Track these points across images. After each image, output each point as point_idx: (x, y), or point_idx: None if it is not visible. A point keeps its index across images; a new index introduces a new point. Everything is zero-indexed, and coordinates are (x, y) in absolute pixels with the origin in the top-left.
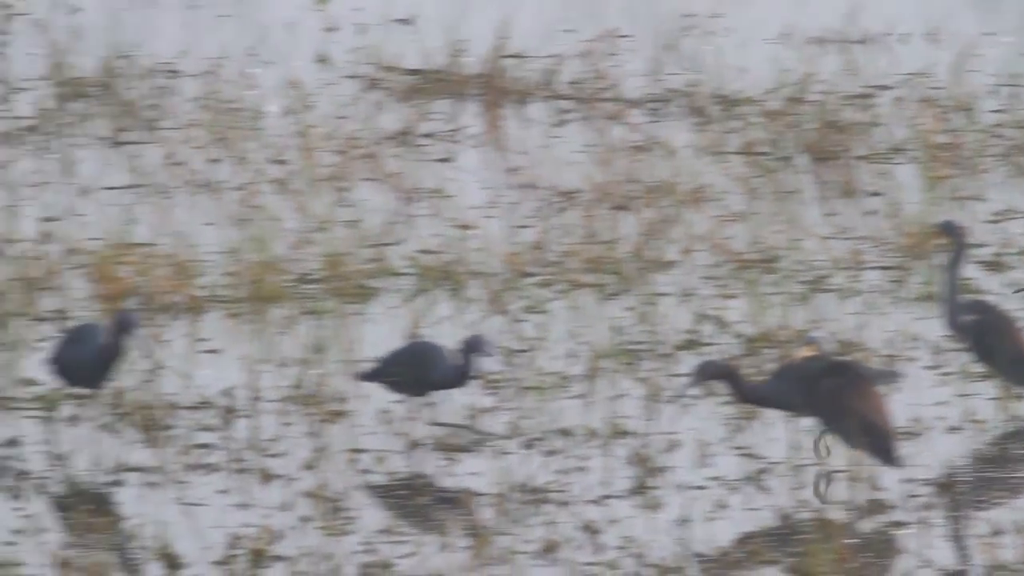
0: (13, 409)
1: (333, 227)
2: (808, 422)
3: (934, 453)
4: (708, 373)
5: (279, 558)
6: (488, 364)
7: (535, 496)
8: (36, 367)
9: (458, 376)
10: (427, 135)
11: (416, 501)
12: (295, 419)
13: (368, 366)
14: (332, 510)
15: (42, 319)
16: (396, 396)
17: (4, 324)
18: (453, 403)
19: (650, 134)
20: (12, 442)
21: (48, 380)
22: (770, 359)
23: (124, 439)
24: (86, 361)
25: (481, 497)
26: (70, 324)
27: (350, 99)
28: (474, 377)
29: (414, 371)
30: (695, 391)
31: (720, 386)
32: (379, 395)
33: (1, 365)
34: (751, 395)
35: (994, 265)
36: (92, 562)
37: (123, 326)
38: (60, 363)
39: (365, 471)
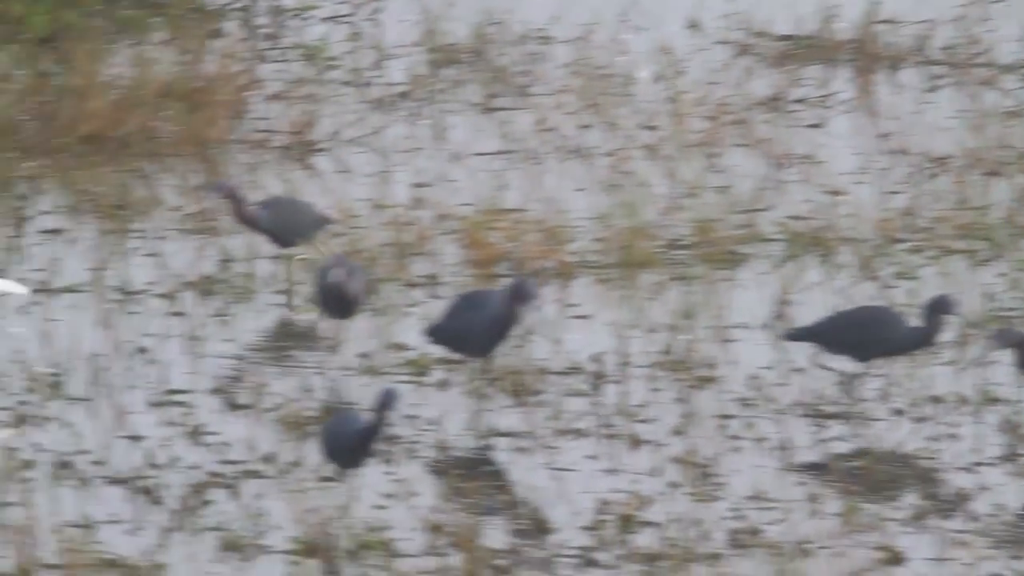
0: (384, 374)
1: (703, 193)
2: None
3: None
4: (1006, 340)
5: (648, 524)
6: (950, 326)
7: (905, 463)
8: (407, 332)
9: (921, 339)
10: (798, 101)
11: (784, 467)
12: (664, 385)
13: (803, 326)
14: (701, 476)
15: (413, 284)
16: (835, 359)
17: (376, 289)
18: (827, 370)
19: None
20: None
21: (425, 346)
22: None
23: (495, 404)
24: (478, 329)
25: (850, 464)
26: (461, 291)
27: (721, 65)
28: (937, 339)
29: (866, 335)
30: (992, 357)
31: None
32: (748, 360)
33: (374, 330)
34: None
35: None
36: (462, 526)
37: (520, 295)
38: (450, 331)
39: (734, 437)
